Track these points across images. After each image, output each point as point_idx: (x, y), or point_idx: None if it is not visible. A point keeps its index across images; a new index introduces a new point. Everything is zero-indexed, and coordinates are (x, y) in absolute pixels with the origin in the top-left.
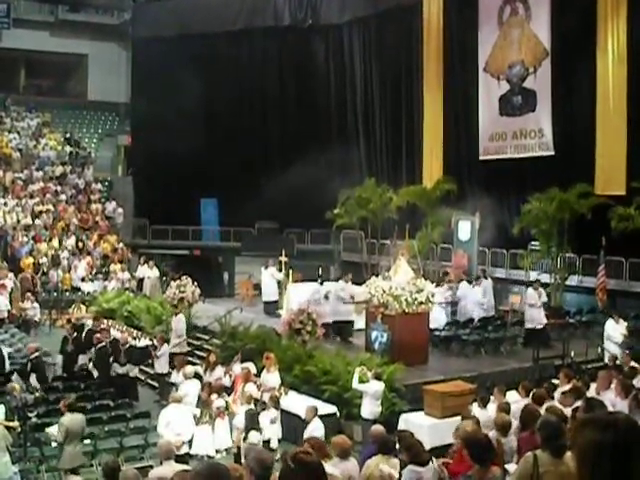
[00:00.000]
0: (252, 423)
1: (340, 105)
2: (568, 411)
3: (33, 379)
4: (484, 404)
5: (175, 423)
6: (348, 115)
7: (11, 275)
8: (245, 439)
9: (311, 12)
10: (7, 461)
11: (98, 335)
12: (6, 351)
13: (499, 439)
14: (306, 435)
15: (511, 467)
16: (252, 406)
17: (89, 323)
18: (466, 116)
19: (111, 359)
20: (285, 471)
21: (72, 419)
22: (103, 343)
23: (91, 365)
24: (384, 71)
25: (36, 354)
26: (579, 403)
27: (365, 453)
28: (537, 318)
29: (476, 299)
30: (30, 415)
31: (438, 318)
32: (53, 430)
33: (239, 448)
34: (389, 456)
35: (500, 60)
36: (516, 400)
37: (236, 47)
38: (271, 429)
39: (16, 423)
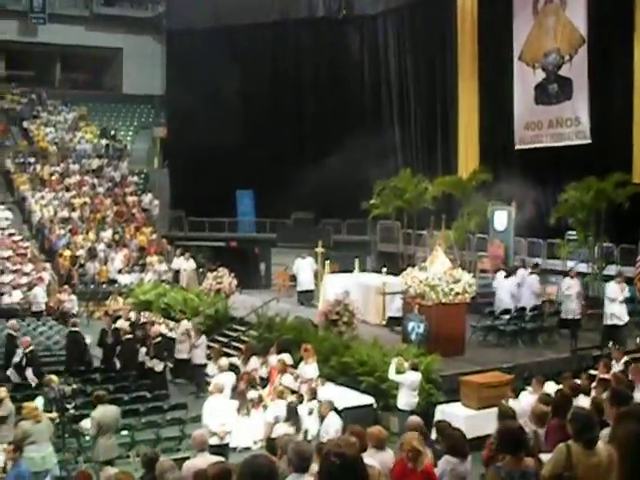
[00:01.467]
0: (291, 416)
1: (374, 96)
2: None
3: (29, 373)
4: (516, 394)
5: (219, 413)
6: (383, 106)
7: (48, 267)
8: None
9: (345, 3)
10: (51, 452)
11: (126, 328)
12: (89, 340)
13: (536, 430)
14: (322, 430)
15: (545, 457)
16: (286, 400)
17: (132, 316)
18: (501, 105)
19: (143, 351)
20: (327, 465)
21: (103, 412)
22: (130, 335)
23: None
24: (418, 61)
25: (30, 348)
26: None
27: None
28: (618, 314)
29: (510, 290)
30: (68, 407)
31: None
32: (86, 424)
33: (269, 441)
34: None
35: (535, 48)
36: (553, 391)
37: (270, 38)
38: (309, 420)
39: (55, 414)
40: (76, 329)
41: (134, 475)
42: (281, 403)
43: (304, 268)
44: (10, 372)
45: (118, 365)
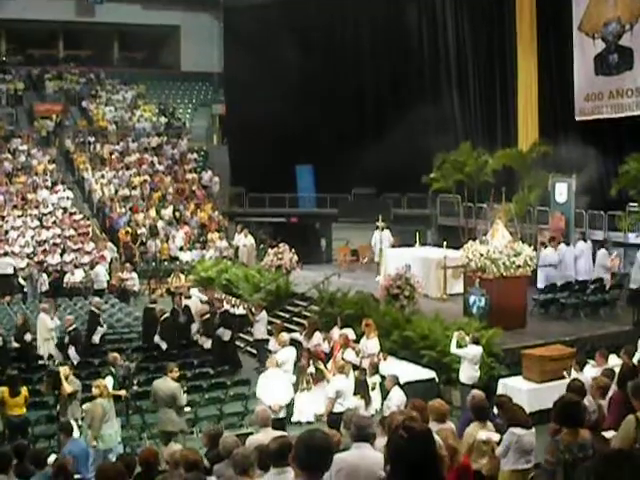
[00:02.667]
0: (361, 389)
1: (433, 69)
2: None
3: (72, 351)
4: (580, 367)
5: (273, 387)
6: (442, 79)
7: (110, 246)
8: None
9: None
10: (115, 432)
11: (158, 307)
12: None
13: (600, 404)
14: (385, 404)
15: (608, 434)
16: (347, 374)
17: (192, 293)
18: (561, 76)
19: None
20: (396, 440)
21: (158, 384)
22: (166, 314)
23: (158, 337)
24: (477, 33)
25: (74, 326)
26: None
27: (463, 419)
28: None
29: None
30: (134, 383)
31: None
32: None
33: (330, 415)
34: (484, 422)
35: (595, 18)
36: (616, 364)
37: (327, 13)
38: (372, 395)
39: (124, 392)
40: (152, 306)
41: (198, 451)
42: (342, 377)
43: (384, 239)
44: (54, 351)
45: (164, 346)
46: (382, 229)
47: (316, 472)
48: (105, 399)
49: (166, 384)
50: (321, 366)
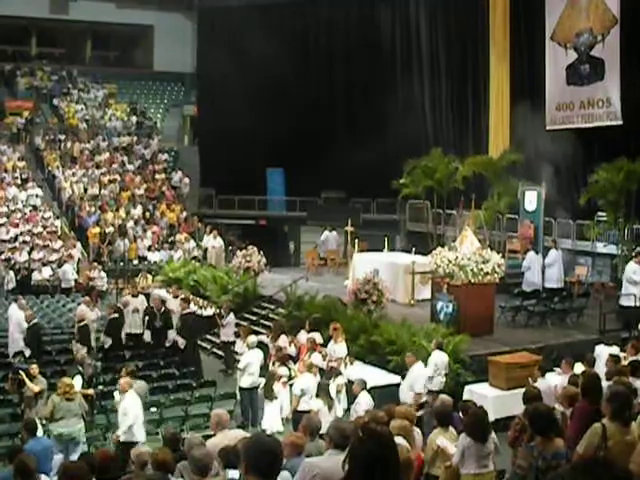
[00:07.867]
0: (323, 393)
1: (406, 75)
2: (637, 384)
3: None
4: (542, 374)
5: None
6: (414, 85)
7: (78, 245)
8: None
9: None
10: (80, 428)
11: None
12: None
13: (564, 412)
14: (353, 407)
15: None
16: (314, 374)
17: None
18: (533, 86)
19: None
20: (355, 440)
21: (138, 387)
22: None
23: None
24: (450, 41)
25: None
26: None
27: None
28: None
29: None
30: (99, 382)
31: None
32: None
33: (295, 413)
34: (446, 428)
35: (567, 28)
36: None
37: (302, 15)
38: (339, 398)
39: (91, 391)
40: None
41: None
42: (309, 376)
43: None
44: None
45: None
46: (331, 230)
47: (267, 475)
48: (59, 397)
49: (140, 384)
50: (292, 366)
